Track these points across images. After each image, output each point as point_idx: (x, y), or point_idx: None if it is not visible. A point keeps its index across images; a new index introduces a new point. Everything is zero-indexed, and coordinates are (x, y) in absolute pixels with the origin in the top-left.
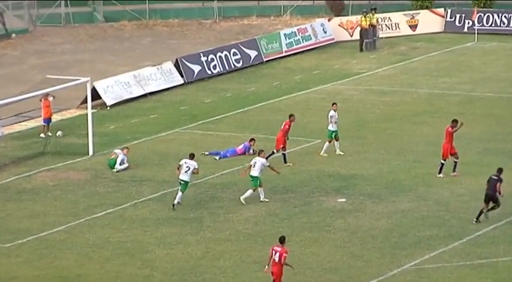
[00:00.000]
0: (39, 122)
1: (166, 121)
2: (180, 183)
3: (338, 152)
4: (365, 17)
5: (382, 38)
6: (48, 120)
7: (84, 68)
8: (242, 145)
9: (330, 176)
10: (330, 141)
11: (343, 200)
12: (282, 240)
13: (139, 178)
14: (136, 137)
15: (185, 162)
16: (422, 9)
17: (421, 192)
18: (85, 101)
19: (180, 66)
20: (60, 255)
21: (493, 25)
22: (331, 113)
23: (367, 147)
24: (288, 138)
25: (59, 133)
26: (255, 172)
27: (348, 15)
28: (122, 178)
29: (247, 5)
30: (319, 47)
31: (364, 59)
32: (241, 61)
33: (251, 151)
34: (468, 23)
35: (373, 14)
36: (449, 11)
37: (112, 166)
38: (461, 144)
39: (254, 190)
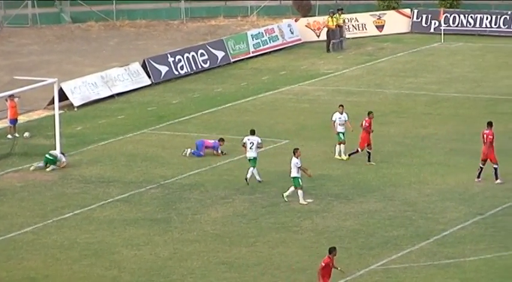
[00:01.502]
0: (5, 123)
1: (133, 122)
2: (249, 160)
3: (337, 155)
4: (332, 17)
5: (349, 38)
6: (14, 120)
7: (52, 68)
8: (213, 141)
9: None
10: (340, 143)
11: (311, 200)
12: (329, 251)
13: (107, 179)
14: (103, 138)
15: (248, 139)
16: (389, 9)
17: (388, 192)
18: (52, 101)
19: (148, 66)
20: (28, 257)
21: (460, 25)
22: (336, 115)
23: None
24: (372, 131)
25: (26, 134)
26: (292, 172)
27: (315, 15)
28: (89, 179)
29: (214, 5)
30: (287, 47)
31: (331, 59)
32: (208, 62)
33: (219, 151)
34: (435, 23)
35: (339, 15)
36: (415, 11)
37: (50, 162)
38: (428, 145)
39: (296, 189)
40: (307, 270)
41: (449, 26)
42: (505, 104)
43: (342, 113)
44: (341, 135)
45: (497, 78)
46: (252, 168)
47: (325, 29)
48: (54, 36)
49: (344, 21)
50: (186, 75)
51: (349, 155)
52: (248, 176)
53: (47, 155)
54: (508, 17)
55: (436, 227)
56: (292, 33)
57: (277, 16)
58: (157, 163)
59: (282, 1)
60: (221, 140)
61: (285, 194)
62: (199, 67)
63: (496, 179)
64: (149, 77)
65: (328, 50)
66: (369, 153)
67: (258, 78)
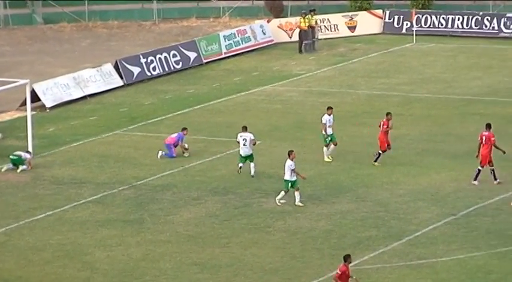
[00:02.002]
0: None
1: (106, 123)
2: (244, 157)
3: (326, 158)
4: (304, 18)
5: (321, 39)
6: None
7: (24, 70)
8: (176, 134)
9: (269, 177)
10: (326, 146)
11: (283, 201)
12: (344, 258)
13: (79, 180)
14: (76, 139)
15: (240, 136)
16: (361, 10)
17: (361, 193)
18: (24, 103)
19: (120, 68)
20: (0, 258)
21: (431, 26)
22: (326, 117)
23: (307, 148)
24: (391, 128)
25: None
26: (286, 175)
27: (287, 16)
28: (61, 180)
29: (186, 6)
30: (259, 48)
31: (303, 60)
32: (180, 63)
33: (184, 143)
34: (406, 24)
35: (312, 16)
36: (387, 12)
37: (16, 162)
38: (401, 145)
39: (286, 192)
40: (279, 271)
41: (421, 26)
42: (476, 104)
43: (330, 115)
44: (331, 137)
45: (469, 79)
46: (252, 164)
47: (298, 30)
48: (26, 37)
49: (316, 22)
50: (159, 76)
51: (375, 161)
52: (252, 171)
53: (11, 156)
54: (479, 18)
55: (408, 227)
56: (264, 34)
57: (249, 17)
58: (130, 164)
59: (254, 2)
60: (183, 129)
61: (277, 198)
62: (172, 68)
63: (495, 179)
64: (121, 78)
65: (300, 51)
66: (382, 153)
67: (230, 79)
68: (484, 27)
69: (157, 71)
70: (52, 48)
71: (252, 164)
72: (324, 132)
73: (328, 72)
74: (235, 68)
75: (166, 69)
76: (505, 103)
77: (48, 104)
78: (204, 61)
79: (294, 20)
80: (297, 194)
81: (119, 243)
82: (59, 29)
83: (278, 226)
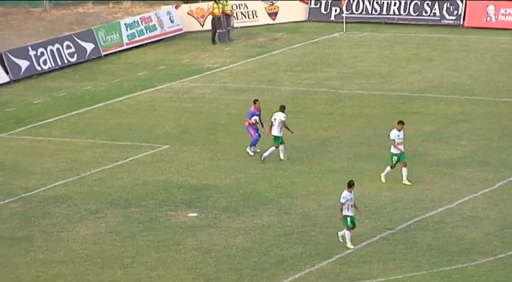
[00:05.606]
0: None
1: None
2: (273, 138)
3: (405, 181)
4: (218, 3)
5: (237, 27)
6: None
7: None
8: (248, 116)
9: (179, 187)
10: (392, 167)
11: (195, 214)
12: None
13: None
14: None
15: (273, 115)
16: None
17: (284, 204)
18: None
19: (5, 61)
20: None
21: (364, 12)
22: (395, 132)
23: (222, 153)
24: None
25: None
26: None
27: (198, 1)
28: None
29: None
30: (166, 38)
31: (217, 52)
32: (75, 55)
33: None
34: (335, 10)
35: (226, 1)
36: None
37: None
38: (330, 149)
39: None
40: None
41: (352, 13)
42: (416, 102)
43: (400, 130)
44: (399, 156)
45: (407, 73)
46: (273, 148)
47: (210, 17)
48: None
49: (232, 8)
50: (50, 71)
51: None
52: (266, 154)
53: None
54: (418, 3)
55: (338, 244)
56: (172, 22)
57: (154, 2)
58: (18, 173)
59: None
60: (254, 102)
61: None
62: (65, 62)
63: None
64: (7, 73)
65: (213, 42)
66: None
67: (133, 74)
68: (424, 13)
69: (48, 65)
70: None
71: (272, 148)
72: (393, 150)
73: (245, 66)
74: (139, 62)
75: (59, 63)
76: (448, 100)
77: None
78: (103, 53)
79: (206, 5)
80: (347, 233)
81: (5, 264)
82: None
83: (189, 243)
